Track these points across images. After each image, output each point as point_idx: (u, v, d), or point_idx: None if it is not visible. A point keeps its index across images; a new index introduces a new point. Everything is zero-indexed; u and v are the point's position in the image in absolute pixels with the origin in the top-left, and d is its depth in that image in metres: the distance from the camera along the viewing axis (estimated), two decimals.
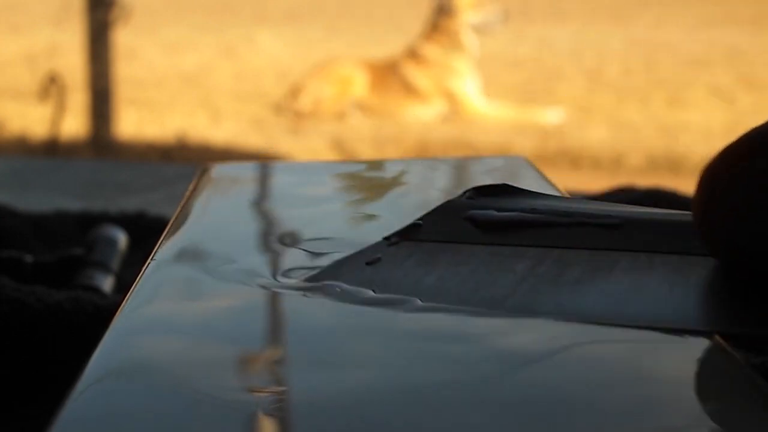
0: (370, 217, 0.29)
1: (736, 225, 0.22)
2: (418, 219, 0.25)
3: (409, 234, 0.26)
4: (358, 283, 0.22)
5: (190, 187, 0.31)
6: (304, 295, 0.22)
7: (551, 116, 3.41)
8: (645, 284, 0.23)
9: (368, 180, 0.37)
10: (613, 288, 0.23)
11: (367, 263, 0.23)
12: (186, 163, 2.40)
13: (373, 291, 0.22)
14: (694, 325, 0.21)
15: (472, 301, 0.23)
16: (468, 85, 3.64)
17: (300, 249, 0.25)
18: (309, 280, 0.22)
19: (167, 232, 0.26)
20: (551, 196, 0.27)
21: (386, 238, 0.24)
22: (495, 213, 0.25)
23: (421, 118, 3.55)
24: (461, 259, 0.24)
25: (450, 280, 0.23)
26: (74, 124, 3.04)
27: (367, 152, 3.02)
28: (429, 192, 0.37)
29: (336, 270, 0.22)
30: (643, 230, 0.24)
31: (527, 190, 0.27)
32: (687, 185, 0.77)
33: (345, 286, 0.22)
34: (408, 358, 0.20)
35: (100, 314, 0.34)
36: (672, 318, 0.22)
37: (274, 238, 0.26)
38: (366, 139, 3.19)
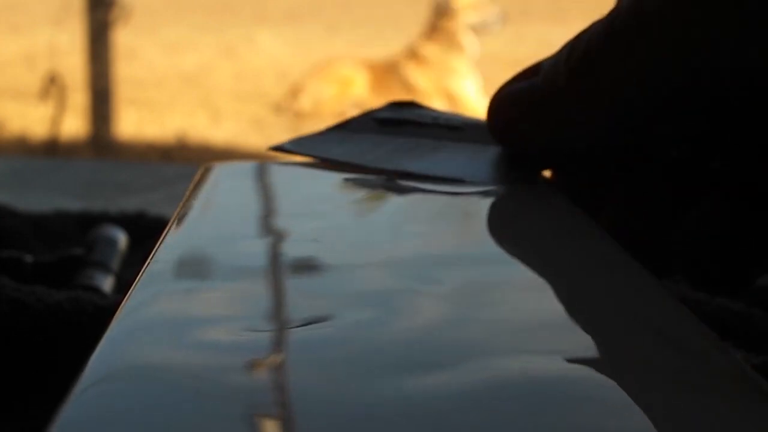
0: (371, 216, 0.28)
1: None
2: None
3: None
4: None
5: (190, 187, 0.31)
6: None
7: None
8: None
9: (368, 179, 0.37)
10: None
11: None
12: (186, 163, 2.40)
13: None
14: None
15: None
16: (468, 85, 3.64)
17: (300, 248, 0.25)
18: None
19: (167, 232, 0.26)
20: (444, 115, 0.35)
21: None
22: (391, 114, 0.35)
23: None
24: (356, 139, 0.35)
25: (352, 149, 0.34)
26: (74, 124, 3.05)
27: None
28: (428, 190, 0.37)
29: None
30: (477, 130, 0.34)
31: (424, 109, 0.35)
32: None
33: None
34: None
35: (100, 314, 0.34)
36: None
37: (275, 237, 0.26)
38: None
